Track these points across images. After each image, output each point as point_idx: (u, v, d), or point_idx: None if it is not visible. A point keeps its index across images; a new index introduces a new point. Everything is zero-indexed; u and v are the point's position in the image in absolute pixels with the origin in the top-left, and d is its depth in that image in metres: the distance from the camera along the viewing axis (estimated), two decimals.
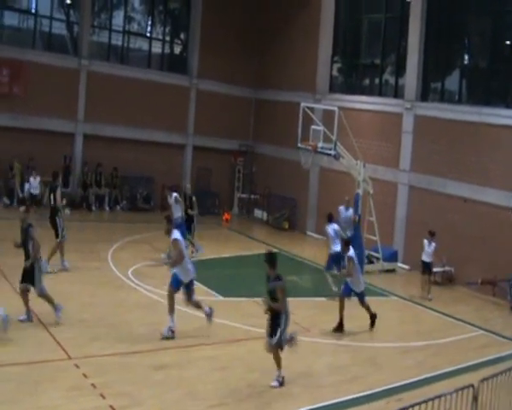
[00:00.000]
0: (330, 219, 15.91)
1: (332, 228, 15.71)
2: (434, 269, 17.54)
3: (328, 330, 12.90)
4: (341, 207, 18.13)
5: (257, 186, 26.42)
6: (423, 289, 16.64)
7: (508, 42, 19.05)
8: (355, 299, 15.33)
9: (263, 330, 12.29)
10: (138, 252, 17.73)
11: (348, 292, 13.23)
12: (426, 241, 16.58)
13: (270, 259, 9.88)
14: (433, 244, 16.48)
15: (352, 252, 13.33)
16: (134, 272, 15.52)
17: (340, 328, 12.90)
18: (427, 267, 16.64)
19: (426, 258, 16.59)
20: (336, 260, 15.53)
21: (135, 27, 26.34)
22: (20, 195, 21.84)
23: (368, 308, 13.39)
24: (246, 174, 27.05)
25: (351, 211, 18.01)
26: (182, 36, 27.44)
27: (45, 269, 13.30)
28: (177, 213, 16.63)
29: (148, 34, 26.30)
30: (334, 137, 18.08)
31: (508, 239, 17.23)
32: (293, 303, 14.00)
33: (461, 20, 20.03)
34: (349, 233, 17.50)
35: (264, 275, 10.02)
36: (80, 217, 22.45)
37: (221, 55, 25.85)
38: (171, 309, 11.36)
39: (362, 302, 13.37)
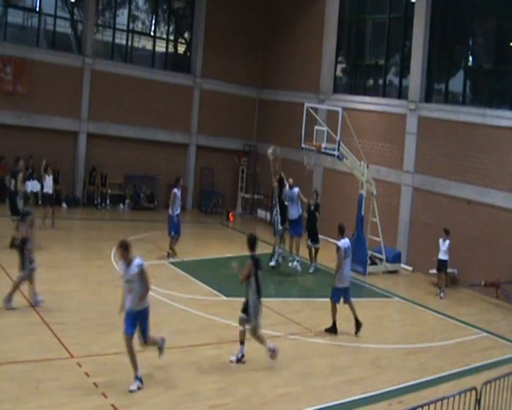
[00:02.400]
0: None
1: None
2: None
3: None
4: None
5: (260, 186, 26.39)
6: (439, 286, 17.00)
7: None
8: (355, 299, 15.34)
9: (265, 331, 12.31)
10: (141, 251, 17.66)
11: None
12: (441, 239, 16.92)
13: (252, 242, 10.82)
14: (448, 241, 16.81)
15: (342, 242, 12.71)
16: None
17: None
18: (442, 266, 16.96)
19: (441, 256, 16.92)
20: None
21: (139, 26, 26.36)
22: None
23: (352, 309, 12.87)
24: (249, 174, 27.04)
25: None
26: (186, 35, 27.45)
27: None
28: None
29: (152, 33, 26.32)
30: (337, 138, 18.05)
31: (511, 241, 17.20)
32: (295, 304, 14.12)
33: (465, 21, 19.96)
34: None
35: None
36: (83, 215, 22.55)
37: (225, 55, 25.87)
38: None
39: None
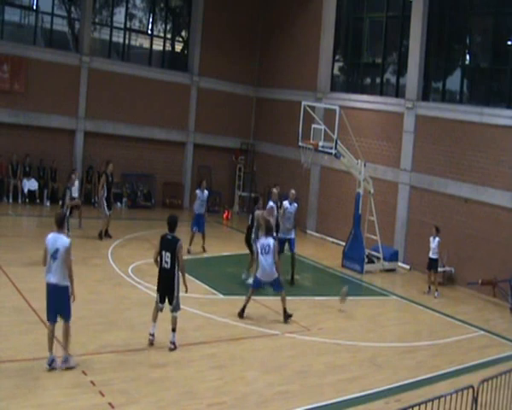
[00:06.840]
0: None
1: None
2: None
3: (327, 329, 12.91)
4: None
5: (257, 185, 26.40)
6: (429, 287, 16.82)
7: (509, 42, 19.00)
8: (353, 298, 15.35)
9: (262, 329, 12.36)
10: (139, 249, 17.72)
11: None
12: (431, 237, 16.80)
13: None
14: (437, 239, 16.67)
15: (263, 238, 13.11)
16: (134, 269, 15.50)
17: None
18: (432, 265, 16.80)
19: (431, 254, 16.77)
20: None
21: (136, 24, 26.34)
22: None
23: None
24: (247, 173, 27.03)
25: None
26: (183, 33, 27.43)
27: None
28: None
29: (150, 31, 26.29)
30: (334, 136, 18.05)
31: (508, 240, 17.22)
32: (292, 302, 14.11)
33: (462, 19, 19.98)
34: None
35: None
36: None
37: (222, 53, 25.85)
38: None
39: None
